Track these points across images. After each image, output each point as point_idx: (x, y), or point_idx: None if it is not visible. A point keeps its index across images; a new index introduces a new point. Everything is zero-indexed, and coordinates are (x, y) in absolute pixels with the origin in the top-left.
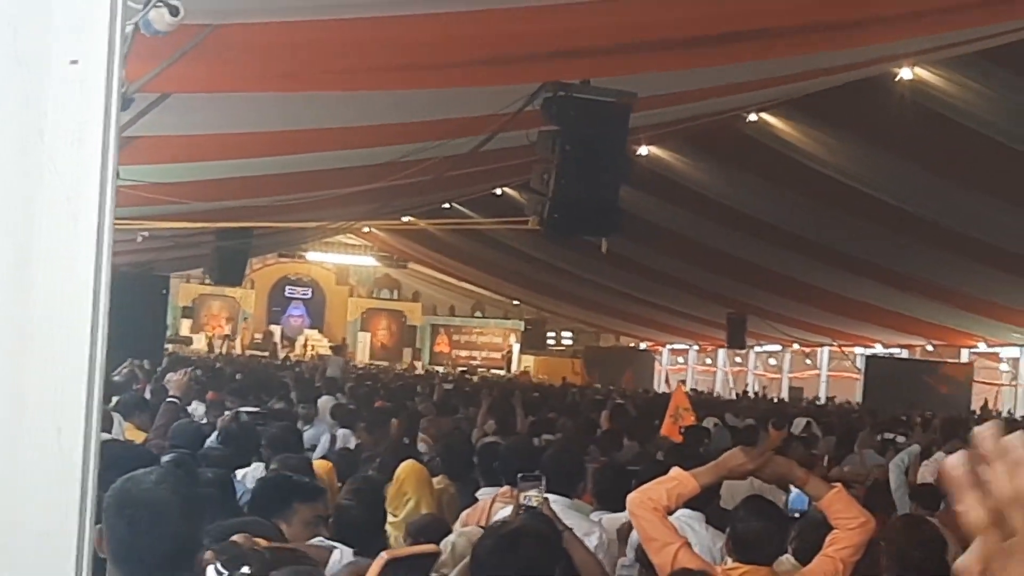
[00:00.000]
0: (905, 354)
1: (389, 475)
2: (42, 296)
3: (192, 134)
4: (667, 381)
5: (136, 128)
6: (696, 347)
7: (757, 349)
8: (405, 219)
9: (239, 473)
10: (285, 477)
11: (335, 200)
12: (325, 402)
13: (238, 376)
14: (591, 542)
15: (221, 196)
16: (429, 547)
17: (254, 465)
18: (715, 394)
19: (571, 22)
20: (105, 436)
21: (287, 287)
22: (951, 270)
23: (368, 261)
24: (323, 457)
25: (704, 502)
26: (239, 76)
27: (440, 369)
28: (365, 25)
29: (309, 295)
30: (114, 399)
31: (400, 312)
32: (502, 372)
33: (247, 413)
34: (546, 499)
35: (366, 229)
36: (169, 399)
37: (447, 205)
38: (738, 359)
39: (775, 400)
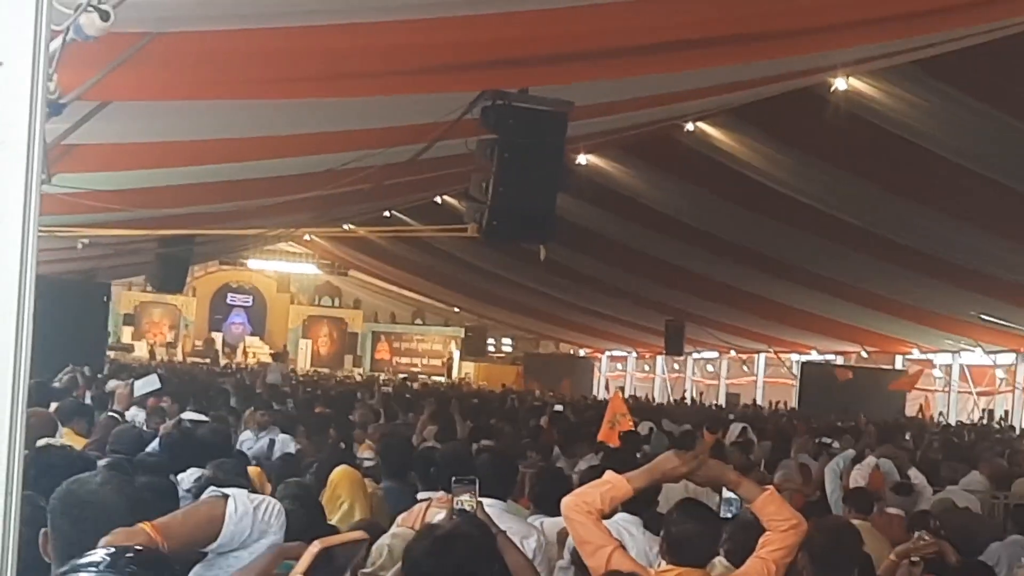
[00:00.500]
0: (840, 360)
1: (325, 480)
2: None
3: (133, 142)
4: (607, 387)
5: (77, 136)
6: (635, 354)
7: (695, 356)
8: (346, 227)
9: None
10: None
11: (276, 208)
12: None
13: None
14: (529, 545)
15: (162, 204)
16: (358, 534)
17: (190, 471)
18: (654, 400)
19: (509, 31)
20: (44, 441)
21: (228, 294)
22: (885, 278)
23: (309, 269)
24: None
25: (642, 507)
26: (179, 84)
27: (381, 376)
28: (304, 34)
29: (250, 303)
30: (53, 405)
31: (341, 319)
32: (443, 379)
33: (190, 422)
34: (480, 502)
35: (307, 237)
36: (111, 413)
37: (388, 213)
38: (676, 366)
39: (712, 406)
